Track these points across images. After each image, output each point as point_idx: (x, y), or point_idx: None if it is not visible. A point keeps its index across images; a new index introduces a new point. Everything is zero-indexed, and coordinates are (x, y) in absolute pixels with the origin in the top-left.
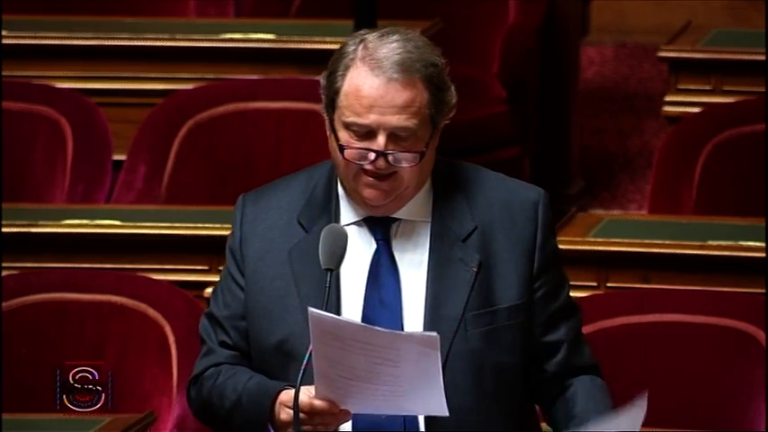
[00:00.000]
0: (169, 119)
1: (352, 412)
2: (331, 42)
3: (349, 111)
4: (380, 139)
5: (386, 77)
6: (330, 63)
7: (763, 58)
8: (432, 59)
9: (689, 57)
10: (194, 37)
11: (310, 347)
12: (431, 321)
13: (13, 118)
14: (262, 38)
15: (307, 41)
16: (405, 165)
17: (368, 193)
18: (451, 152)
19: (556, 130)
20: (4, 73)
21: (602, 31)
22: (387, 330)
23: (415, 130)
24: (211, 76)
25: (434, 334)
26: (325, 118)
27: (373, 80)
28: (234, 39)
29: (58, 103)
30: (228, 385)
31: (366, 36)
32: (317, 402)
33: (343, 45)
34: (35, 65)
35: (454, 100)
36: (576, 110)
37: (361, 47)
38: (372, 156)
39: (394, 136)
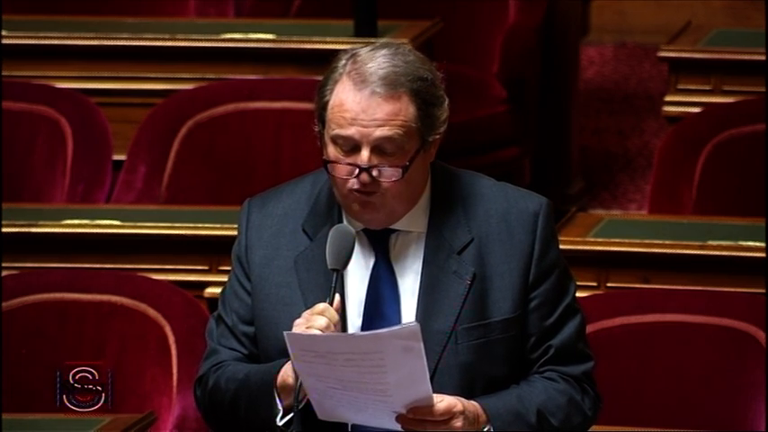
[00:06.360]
0: (169, 119)
1: (349, 423)
2: (331, 42)
3: (334, 124)
4: (364, 154)
5: (369, 91)
6: (323, 78)
7: (763, 58)
8: (420, 74)
9: (689, 57)
10: (194, 37)
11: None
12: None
13: (13, 118)
14: (262, 38)
15: (307, 41)
16: (389, 180)
17: (357, 209)
18: (451, 152)
19: (556, 130)
20: (4, 73)
21: (602, 31)
22: (367, 333)
23: (399, 144)
24: (211, 76)
25: (414, 324)
26: (317, 134)
27: (356, 94)
28: (234, 39)
29: (58, 103)
30: (237, 368)
31: (358, 51)
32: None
33: (336, 59)
34: (35, 65)
35: (445, 115)
36: (575, 110)
37: (350, 61)
38: (356, 171)
39: (378, 150)
